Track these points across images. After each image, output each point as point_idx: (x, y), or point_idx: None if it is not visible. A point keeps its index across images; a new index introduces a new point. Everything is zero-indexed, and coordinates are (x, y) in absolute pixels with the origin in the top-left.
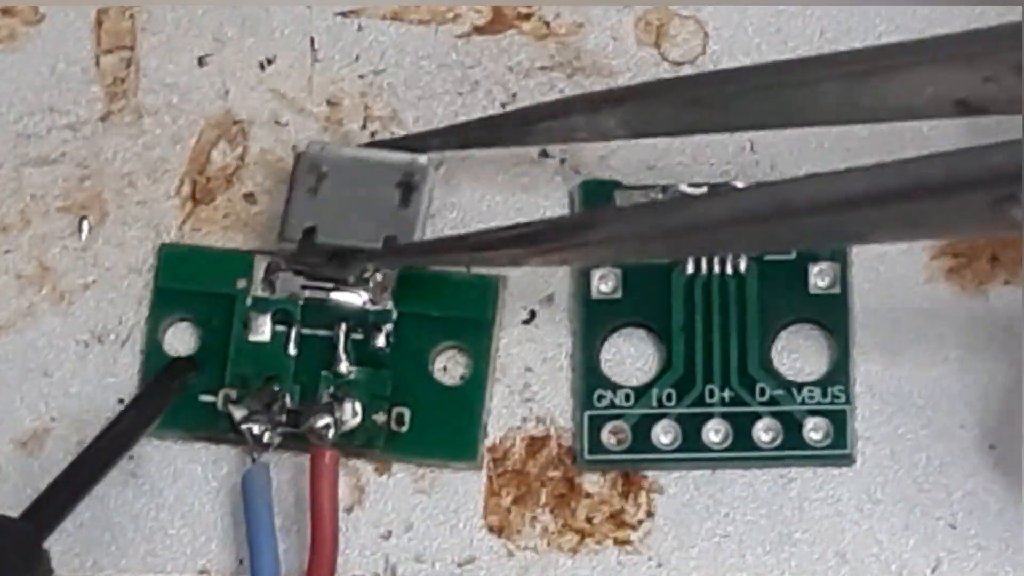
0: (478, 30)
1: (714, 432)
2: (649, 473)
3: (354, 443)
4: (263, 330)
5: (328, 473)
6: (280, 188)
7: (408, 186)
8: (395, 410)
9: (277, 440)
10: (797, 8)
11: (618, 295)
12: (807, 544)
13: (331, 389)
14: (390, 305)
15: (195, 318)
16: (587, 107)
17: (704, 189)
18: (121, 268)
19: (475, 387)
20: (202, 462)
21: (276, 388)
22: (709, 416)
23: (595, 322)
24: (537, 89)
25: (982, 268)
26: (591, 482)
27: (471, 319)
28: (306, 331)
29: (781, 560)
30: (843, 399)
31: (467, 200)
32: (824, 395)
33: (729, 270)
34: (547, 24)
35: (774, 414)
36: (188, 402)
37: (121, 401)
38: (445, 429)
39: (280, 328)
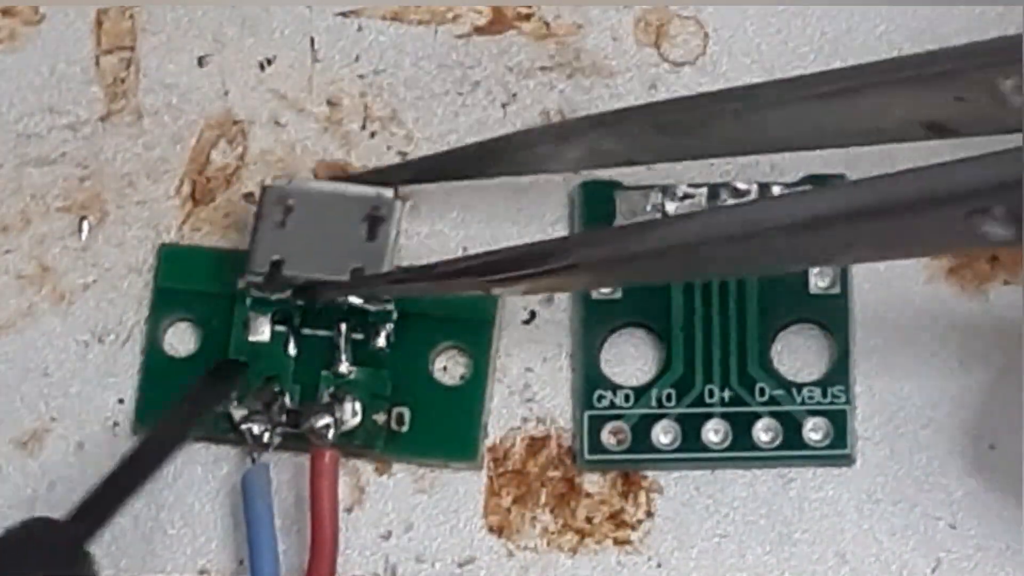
0: (478, 30)
1: (714, 432)
2: (649, 473)
3: (354, 443)
4: (263, 330)
5: (328, 473)
6: None
7: (375, 220)
8: (395, 410)
9: (277, 440)
10: (797, 8)
11: (618, 295)
12: (807, 544)
13: (331, 389)
14: (390, 305)
15: (195, 318)
16: (554, 138)
17: (703, 190)
18: (121, 268)
19: (475, 387)
20: (202, 462)
21: (276, 388)
22: (709, 416)
23: (595, 322)
24: (537, 89)
25: (982, 268)
26: (591, 482)
27: (471, 319)
28: (306, 331)
29: (781, 560)
30: (843, 399)
31: (467, 199)
32: (824, 395)
33: None
34: (547, 24)
35: (774, 414)
36: None
37: (121, 401)
38: (445, 429)
39: (280, 328)
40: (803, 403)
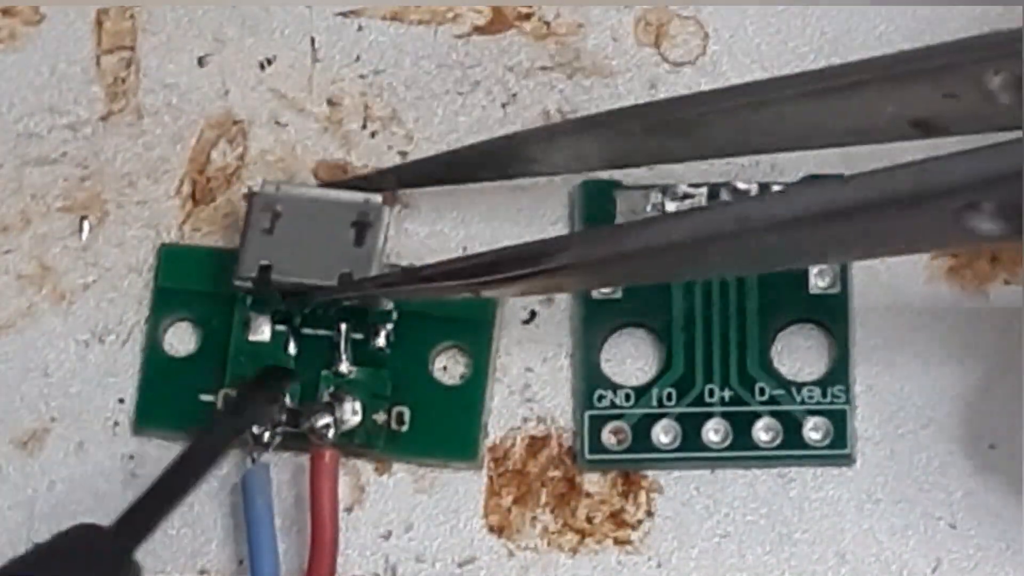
0: (478, 30)
1: (714, 432)
2: (649, 473)
3: (354, 443)
4: (263, 330)
5: (328, 473)
6: None
7: (363, 225)
8: (395, 410)
9: (277, 440)
10: (797, 8)
11: (618, 295)
12: (807, 544)
13: (331, 389)
14: (390, 305)
15: (195, 318)
16: (542, 140)
17: (703, 190)
18: (121, 268)
19: (475, 387)
20: None
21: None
22: (709, 416)
23: (595, 322)
24: (537, 89)
25: (982, 268)
26: (591, 482)
27: (471, 319)
28: (306, 331)
29: (781, 560)
30: (843, 399)
31: (467, 199)
32: (824, 395)
33: None
34: (547, 24)
35: (774, 414)
36: (188, 402)
37: (121, 401)
38: (445, 429)
39: (280, 328)
40: (803, 403)
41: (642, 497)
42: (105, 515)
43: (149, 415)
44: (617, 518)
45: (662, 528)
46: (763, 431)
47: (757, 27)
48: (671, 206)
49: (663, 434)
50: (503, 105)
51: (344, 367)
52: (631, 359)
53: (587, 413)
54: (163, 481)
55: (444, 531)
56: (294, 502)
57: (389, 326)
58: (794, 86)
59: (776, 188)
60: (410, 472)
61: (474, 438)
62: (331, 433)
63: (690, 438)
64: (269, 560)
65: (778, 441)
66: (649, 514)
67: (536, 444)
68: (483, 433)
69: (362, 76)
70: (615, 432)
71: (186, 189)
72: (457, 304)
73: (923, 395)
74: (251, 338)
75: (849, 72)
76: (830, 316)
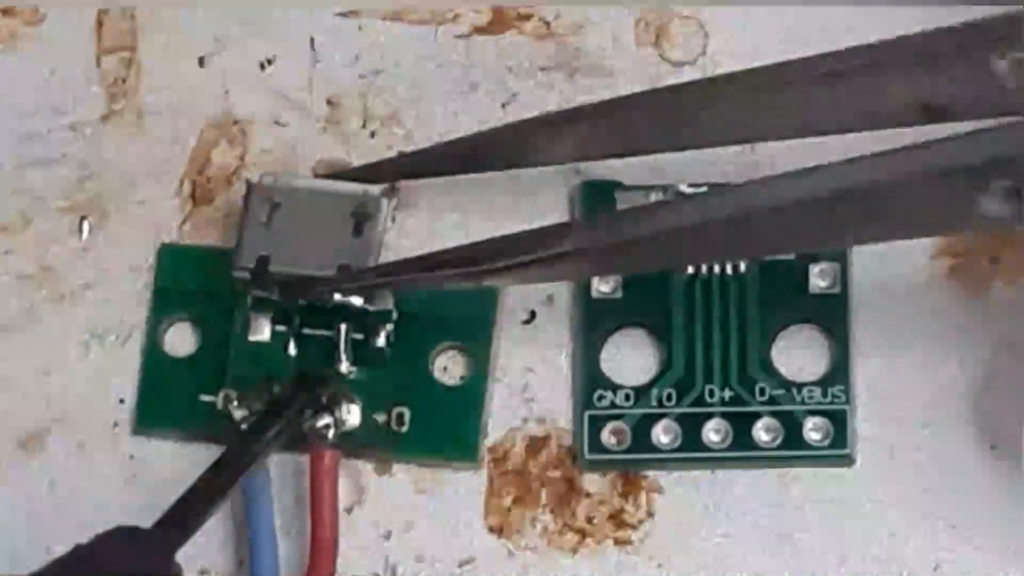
0: (478, 30)
1: (714, 432)
2: (649, 473)
3: (354, 443)
4: (263, 330)
5: (328, 473)
6: None
7: (361, 217)
8: (395, 410)
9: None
10: (797, 8)
11: (618, 295)
12: (807, 544)
13: (331, 389)
14: (390, 305)
15: (195, 318)
16: (544, 128)
17: (704, 189)
18: (121, 268)
19: (475, 387)
20: (202, 462)
21: (276, 388)
22: (709, 416)
23: (595, 322)
24: (537, 89)
25: (982, 268)
26: (591, 482)
27: (471, 319)
28: (306, 331)
29: (781, 560)
30: (843, 399)
31: (467, 200)
32: (824, 395)
33: (729, 270)
34: (547, 24)
35: (774, 414)
36: (188, 402)
37: (121, 401)
38: (445, 429)
39: (280, 328)
40: (803, 403)
41: (642, 497)
42: (105, 515)
43: (149, 415)
44: (617, 518)
45: (662, 528)
46: (763, 431)
47: (757, 27)
48: None
49: (663, 434)
50: (503, 105)
51: (344, 367)
52: (631, 359)
53: (587, 413)
54: (203, 482)
55: (444, 531)
56: (294, 502)
57: (389, 326)
58: (799, 71)
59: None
60: (410, 472)
61: (474, 438)
62: (331, 433)
63: (690, 438)
64: (269, 560)
65: (778, 441)
66: (649, 514)
67: (536, 444)
68: (483, 433)
69: (362, 76)
70: (615, 432)
71: (186, 189)
72: (457, 304)
73: (923, 395)
74: (251, 338)
75: (855, 57)
76: (830, 316)
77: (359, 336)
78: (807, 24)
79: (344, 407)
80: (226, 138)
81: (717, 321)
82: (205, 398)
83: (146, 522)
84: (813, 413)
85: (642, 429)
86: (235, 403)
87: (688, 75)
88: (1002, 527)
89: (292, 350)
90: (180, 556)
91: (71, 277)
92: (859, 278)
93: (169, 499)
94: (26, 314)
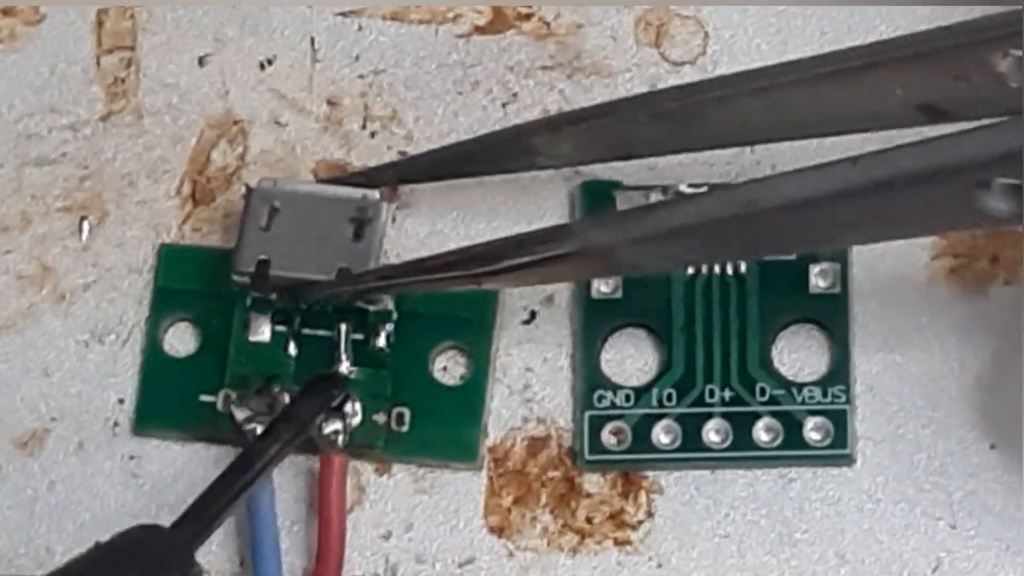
0: (478, 30)
1: (714, 432)
2: (649, 473)
3: (354, 443)
4: (263, 330)
5: (337, 479)
6: None
7: (361, 221)
8: (395, 410)
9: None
10: (797, 8)
11: (618, 295)
12: (807, 544)
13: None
14: (390, 305)
15: (195, 318)
16: (545, 131)
17: (703, 190)
18: (121, 268)
19: (475, 387)
20: (202, 462)
21: (276, 388)
22: (709, 416)
23: (595, 322)
24: (537, 89)
25: (982, 268)
26: (591, 482)
27: (471, 319)
28: (306, 331)
29: (781, 560)
30: (843, 399)
31: (467, 201)
32: (824, 395)
33: (729, 270)
34: (547, 24)
35: (774, 414)
36: (188, 402)
37: (121, 401)
38: (445, 429)
39: (280, 328)
40: (803, 403)
41: (642, 497)
42: (105, 515)
43: (149, 415)
44: (617, 519)
45: (662, 529)
46: (763, 431)
47: (757, 27)
48: None
49: (663, 434)
50: (503, 105)
51: (344, 367)
52: (631, 359)
53: (587, 413)
54: (222, 481)
55: (444, 531)
56: (295, 502)
57: (389, 326)
58: (800, 71)
59: None
60: (410, 472)
61: (474, 438)
62: (340, 440)
63: (690, 438)
64: (271, 560)
65: (778, 441)
66: (649, 515)
67: (536, 444)
68: (483, 433)
69: (362, 76)
70: (615, 432)
71: (186, 189)
72: (457, 304)
73: (923, 395)
74: (251, 338)
75: (856, 56)
76: (830, 316)
77: (359, 336)
78: (807, 24)
79: (344, 407)
80: (226, 138)
81: (717, 321)
82: (205, 398)
83: (148, 522)
84: (813, 413)
85: (642, 429)
86: (235, 403)
87: (688, 75)
88: (1002, 527)
89: (292, 350)
90: None
91: (71, 277)
92: (859, 278)
93: (169, 499)
94: (26, 314)
